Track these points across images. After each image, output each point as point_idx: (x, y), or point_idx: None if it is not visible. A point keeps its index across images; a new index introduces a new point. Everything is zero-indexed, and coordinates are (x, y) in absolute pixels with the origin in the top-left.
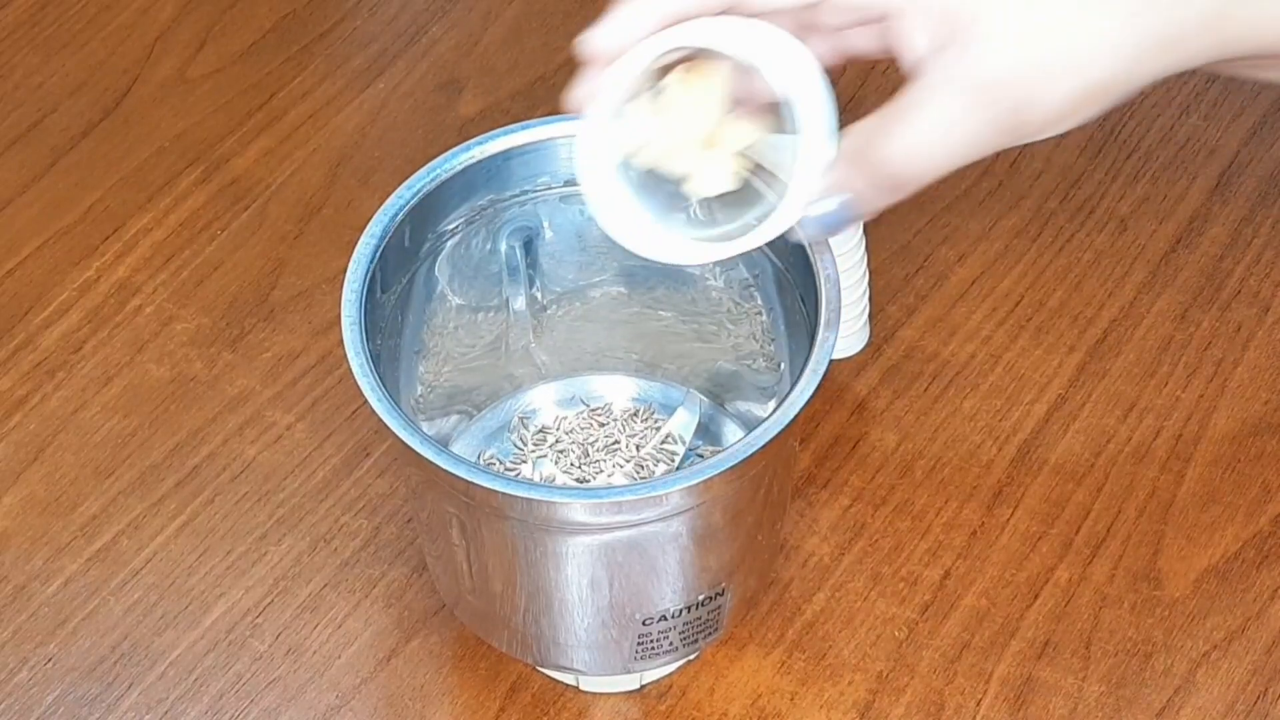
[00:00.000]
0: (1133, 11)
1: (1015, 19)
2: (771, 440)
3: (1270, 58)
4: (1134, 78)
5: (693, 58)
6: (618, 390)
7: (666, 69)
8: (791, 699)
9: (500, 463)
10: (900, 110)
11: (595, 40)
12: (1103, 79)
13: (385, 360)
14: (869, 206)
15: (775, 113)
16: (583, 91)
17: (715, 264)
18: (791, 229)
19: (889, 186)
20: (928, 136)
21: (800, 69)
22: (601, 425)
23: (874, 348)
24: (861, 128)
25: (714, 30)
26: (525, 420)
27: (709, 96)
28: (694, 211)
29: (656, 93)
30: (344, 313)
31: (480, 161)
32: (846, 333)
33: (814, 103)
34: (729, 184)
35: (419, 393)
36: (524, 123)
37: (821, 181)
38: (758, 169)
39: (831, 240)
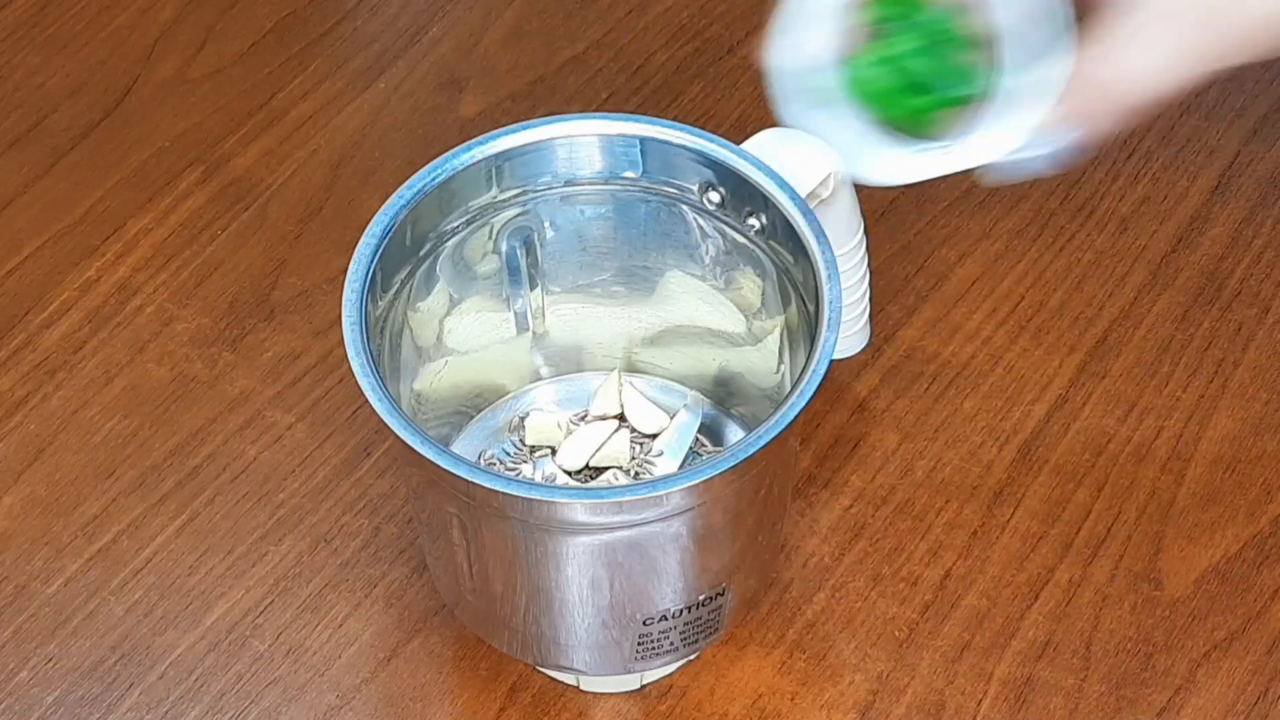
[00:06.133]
0: None
1: None
2: (772, 440)
3: None
4: None
5: None
6: (617, 391)
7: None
8: (792, 699)
9: (500, 463)
10: (1117, 34)
11: None
12: None
13: (385, 360)
14: (1095, 137)
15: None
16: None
17: (717, 264)
18: (1001, 160)
19: (1114, 115)
20: (1151, 62)
21: None
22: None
23: (874, 348)
24: (1085, 56)
25: None
26: (525, 420)
27: None
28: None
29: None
30: (344, 313)
31: (480, 161)
32: (847, 333)
33: (1053, 20)
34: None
35: (419, 392)
36: (524, 123)
37: (1050, 111)
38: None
39: (832, 240)
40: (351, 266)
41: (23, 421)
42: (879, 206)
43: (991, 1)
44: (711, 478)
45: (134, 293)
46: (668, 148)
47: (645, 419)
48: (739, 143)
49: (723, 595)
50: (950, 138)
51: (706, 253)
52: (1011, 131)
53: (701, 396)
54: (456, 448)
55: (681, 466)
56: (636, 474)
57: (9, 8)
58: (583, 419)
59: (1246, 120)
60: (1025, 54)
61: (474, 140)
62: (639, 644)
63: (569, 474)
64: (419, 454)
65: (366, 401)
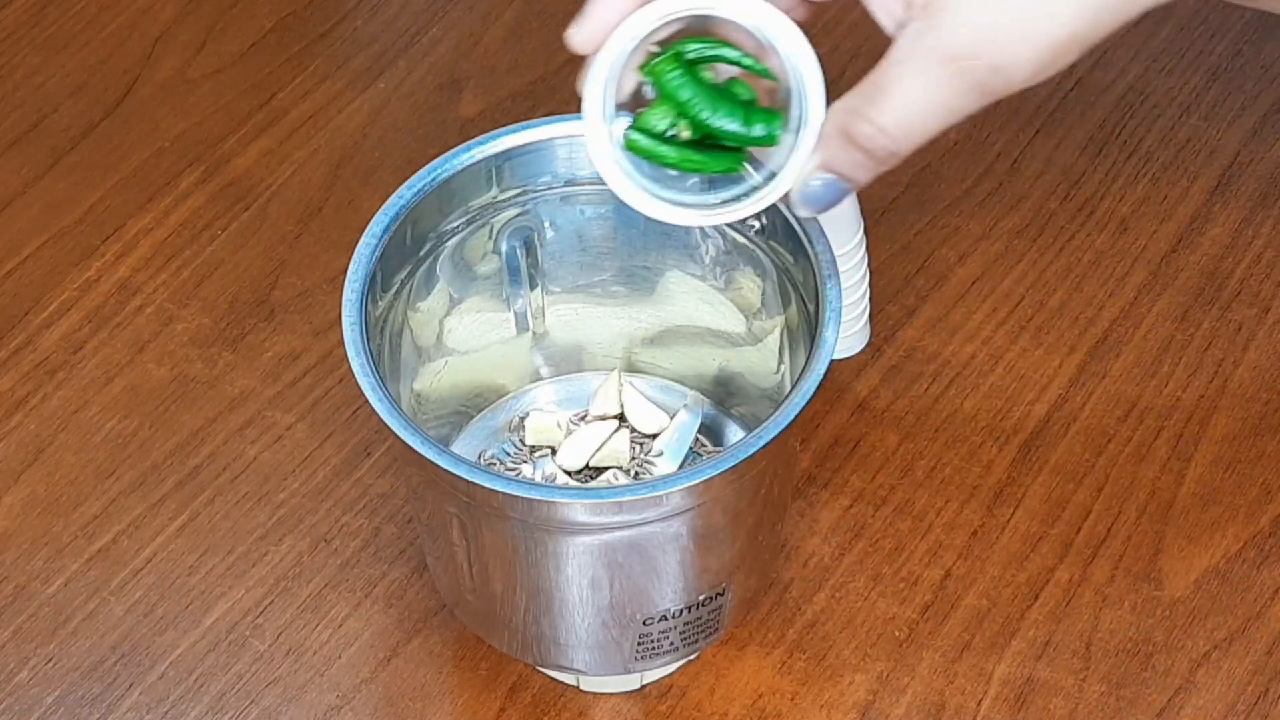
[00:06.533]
0: None
1: None
2: (772, 440)
3: None
4: (1103, 24)
5: (688, 30)
6: (617, 390)
7: (663, 41)
8: (792, 699)
9: (500, 463)
10: (877, 85)
11: (583, 32)
12: (1072, 32)
13: (385, 360)
14: (855, 182)
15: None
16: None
17: (717, 264)
18: (785, 203)
19: (874, 161)
20: (907, 111)
21: (794, 43)
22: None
23: (874, 348)
24: (842, 105)
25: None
26: (525, 420)
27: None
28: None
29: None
30: (345, 313)
31: (480, 161)
32: (847, 333)
33: (811, 77)
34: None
35: (419, 392)
36: (524, 123)
37: (810, 160)
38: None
39: (832, 240)
40: (351, 266)
41: (23, 421)
42: (879, 206)
43: (782, 46)
44: (711, 478)
45: (134, 293)
46: None
47: (645, 419)
48: None
49: (723, 595)
50: (751, 174)
51: (706, 253)
52: (786, 176)
53: (701, 396)
54: (456, 448)
55: (681, 466)
56: (636, 474)
57: (9, 8)
58: (583, 419)
59: (1246, 120)
60: (816, 99)
61: (474, 140)
62: (639, 644)
63: (569, 474)
64: (419, 454)
65: (366, 401)
